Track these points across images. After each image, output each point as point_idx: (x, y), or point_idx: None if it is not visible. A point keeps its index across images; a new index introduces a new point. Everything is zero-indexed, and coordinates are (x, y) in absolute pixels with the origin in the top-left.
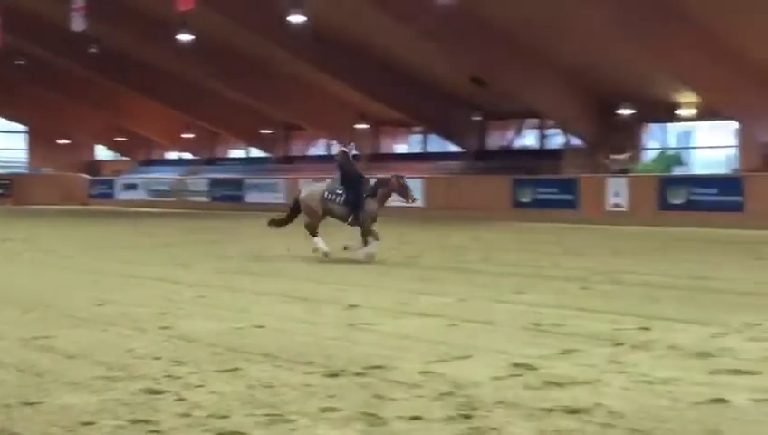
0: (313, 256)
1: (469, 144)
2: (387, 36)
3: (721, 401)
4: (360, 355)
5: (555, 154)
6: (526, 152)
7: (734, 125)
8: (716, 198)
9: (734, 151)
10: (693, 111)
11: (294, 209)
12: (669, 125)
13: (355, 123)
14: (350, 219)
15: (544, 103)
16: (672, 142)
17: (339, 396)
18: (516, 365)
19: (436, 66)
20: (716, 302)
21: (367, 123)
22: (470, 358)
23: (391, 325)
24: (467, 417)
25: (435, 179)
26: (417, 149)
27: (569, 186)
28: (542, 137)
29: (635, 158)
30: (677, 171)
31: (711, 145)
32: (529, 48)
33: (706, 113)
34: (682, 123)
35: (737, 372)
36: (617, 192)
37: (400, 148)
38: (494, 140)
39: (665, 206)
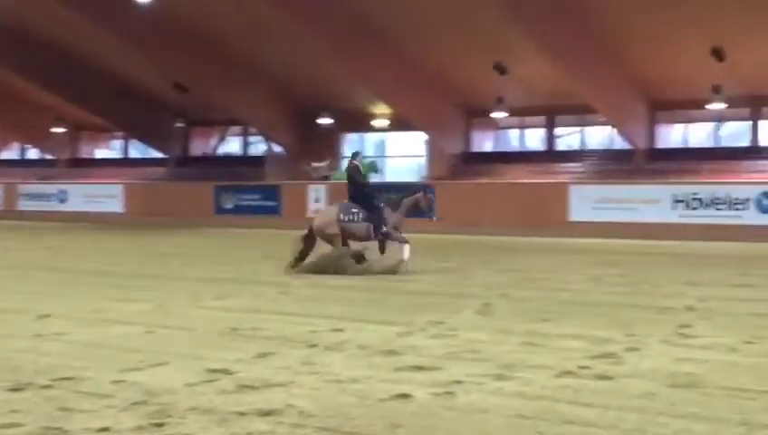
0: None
1: (172, 150)
2: (87, 39)
3: (404, 396)
4: (47, 367)
5: (258, 161)
6: (230, 159)
7: (423, 136)
8: None
9: (423, 160)
10: (386, 122)
11: (310, 238)
12: (366, 135)
13: (51, 127)
14: (374, 235)
15: (247, 111)
16: (369, 151)
17: (23, 411)
18: (212, 371)
19: (138, 71)
20: (405, 303)
21: (65, 127)
22: (165, 365)
23: (84, 334)
24: (159, 425)
25: (135, 186)
26: (117, 155)
27: (271, 192)
28: (246, 144)
29: (334, 165)
30: (373, 179)
31: (403, 154)
32: (232, 57)
33: (399, 124)
34: (377, 133)
35: (420, 368)
36: (317, 198)
37: (101, 153)
38: (198, 147)
39: None
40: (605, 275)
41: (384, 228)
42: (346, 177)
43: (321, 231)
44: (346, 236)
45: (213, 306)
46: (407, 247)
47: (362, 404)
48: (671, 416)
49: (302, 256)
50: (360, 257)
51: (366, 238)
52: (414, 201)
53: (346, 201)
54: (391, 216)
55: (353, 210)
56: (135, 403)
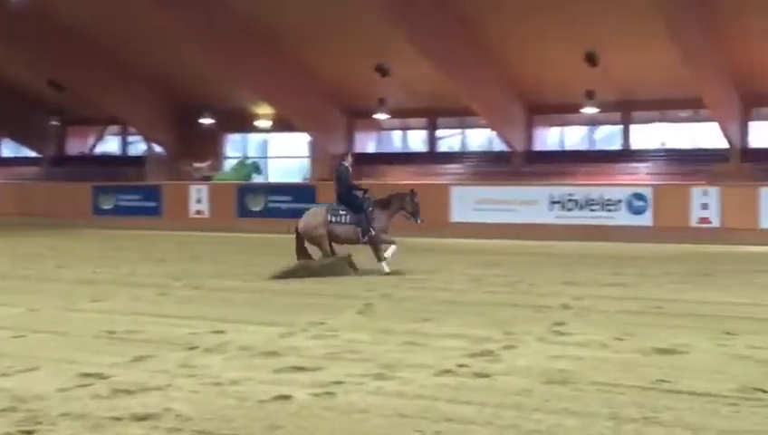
0: None
1: (46, 150)
2: None
3: (284, 397)
4: None
5: (138, 161)
6: (108, 159)
7: (306, 137)
8: (292, 205)
9: (306, 161)
10: (269, 123)
11: (300, 240)
12: (249, 135)
13: None
14: (361, 238)
15: (126, 110)
16: (251, 152)
17: None
18: (86, 375)
19: (11, 68)
20: (287, 303)
21: None
22: (36, 370)
23: None
24: (29, 432)
25: (8, 186)
26: None
27: (151, 193)
28: (125, 144)
29: (216, 166)
30: (256, 180)
31: (286, 155)
32: (110, 55)
33: (282, 125)
34: (260, 133)
35: (300, 369)
36: (199, 199)
37: None
38: (75, 146)
39: (244, 213)
40: (485, 274)
41: (372, 232)
42: (335, 177)
43: (307, 233)
44: (332, 238)
45: (88, 309)
46: (392, 248)
47: (241, 406)
48: (545, 412)
49: (301, 252)
50: (351, 263)
51: (352, 242)
52: (400, 203)
53: (333, 202)
54: (380, 218)
55: (341, 212)
56: (3, 410)
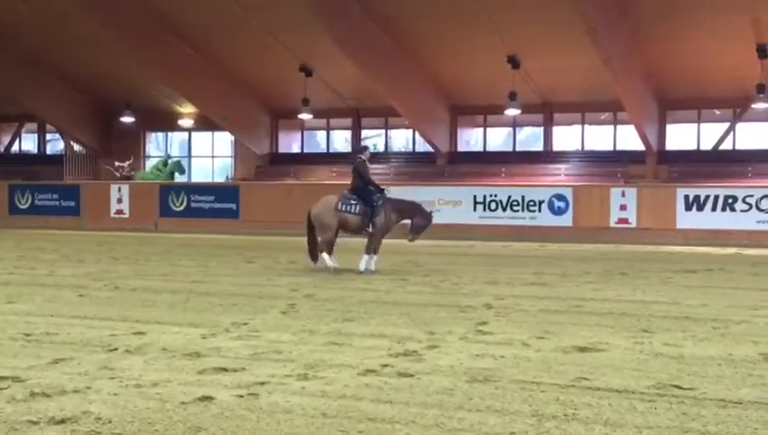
0: None
1: None
2: None
3: (207, 398)
4: None
5: (57, 160)
6: (25, 157)
7: (229, 136)
8: (214, 205)
9: (230, 161)
10: (192, 122)
11: (311, 227)
12: (171, 134)
13: None
14: (366, 229)
15: (43, 108)
16: (174, 151)
17: None
18: (1, 378)
19: None
20: (209, 304)
21: None
22: None
23: None
24: None
25: None
26: None
27: (70, 192)
28: (43, 142)
29: (137, 165)
30: (178, 179)
31: (210, 154)
32: (27, 51)
33: (205, 124)
34: (183, 132)
35: (223, 369)
36: (120, 199)
37: None
38: None
39: (166, 212)
40: (409, 274)
41: (371, 228)
42: (352, 170)
43: (317, 217)
44: (341, 225)
45: (3, 311)
46: (367, 259)
47: (163, 408)
48: (468, 410)
49: (313, 247)
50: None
51: (358, 231)
52: (412, 213)
53: (346, 191)
54: (389, 219)
55: (352, 201)
56: None
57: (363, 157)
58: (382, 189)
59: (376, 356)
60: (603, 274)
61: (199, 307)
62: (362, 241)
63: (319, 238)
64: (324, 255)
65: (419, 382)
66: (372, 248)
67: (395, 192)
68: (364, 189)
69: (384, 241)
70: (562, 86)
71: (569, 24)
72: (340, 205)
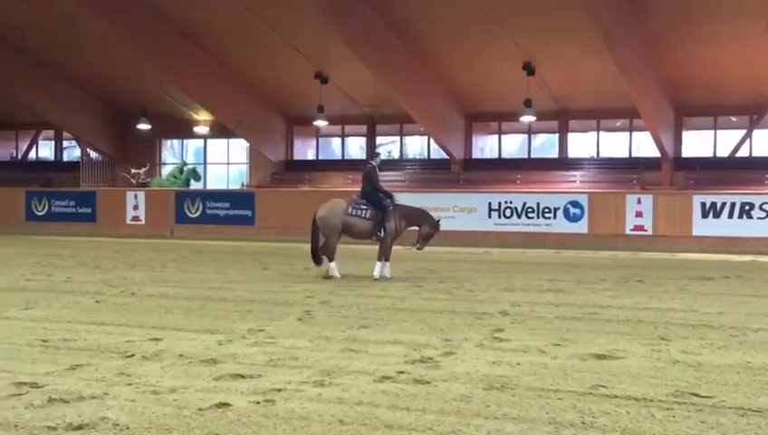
0: None
1: None
2: None
3: (224, 405)
4: None
5: (74, 167)
6: (42, 164)
7: (245, 143)
8: (230, 211)
9: (245, 168)
10: (207, 129)
11: (314, 228)
12: (187, 141)
13: None
14: (375, 234)
15: (60, 115)
16: (190, 158)
17: None
18: (19, 384)
19: None
20: (225, 311)
21: None
22: None
23: None
24: None
25: None
26: None
27: (87, 199)
28: (60, 149)
29: (153, 172)
30: (194, 186)
31: (225, 161)
32: (44, 59)
33: (220, 131)
34: (199, 139)
35: (240, 376)
36: (136, 205)
37: None
38: (6, 151)
39: (182, 219)
40: (424, 281)
41: (382, 233)
42: (363, 176)
43: (323, 220)
44: (345, 229)
45: (20, 317)
46: (380, 265)
47: (180, 415)
48: (485, 417)
49: (315, 250)
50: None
51: (366, 237)
52: (421, 220)
53: (356, 196)
54: (398, 225)
55: (362, 206)
56: None
57: (374, 163)
58: (391, 195)
59: (392, 363)
60: (619, 281)
61: (215, 314)
62: (374, 248)
63: (321, 242)
64: (332, 264)
65: (436, 389)
66: (384, 255)
67: (410, 199)
68: (374, 195)
69: (396, 248)
70: (578, 93)
71: (584, 31)
72: (350, 209)
